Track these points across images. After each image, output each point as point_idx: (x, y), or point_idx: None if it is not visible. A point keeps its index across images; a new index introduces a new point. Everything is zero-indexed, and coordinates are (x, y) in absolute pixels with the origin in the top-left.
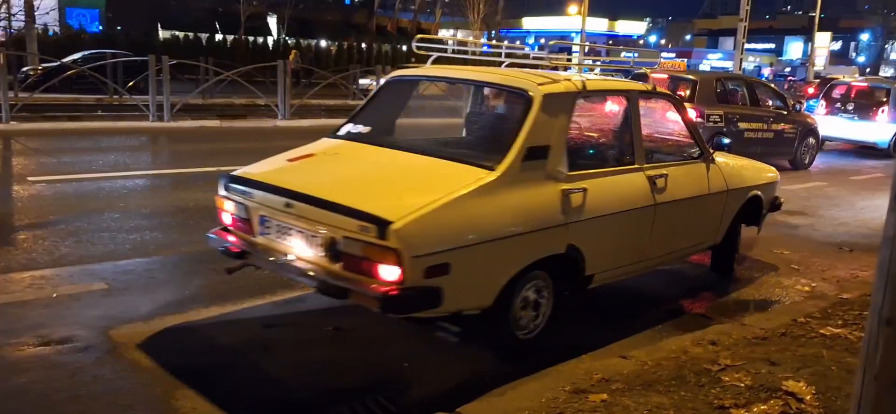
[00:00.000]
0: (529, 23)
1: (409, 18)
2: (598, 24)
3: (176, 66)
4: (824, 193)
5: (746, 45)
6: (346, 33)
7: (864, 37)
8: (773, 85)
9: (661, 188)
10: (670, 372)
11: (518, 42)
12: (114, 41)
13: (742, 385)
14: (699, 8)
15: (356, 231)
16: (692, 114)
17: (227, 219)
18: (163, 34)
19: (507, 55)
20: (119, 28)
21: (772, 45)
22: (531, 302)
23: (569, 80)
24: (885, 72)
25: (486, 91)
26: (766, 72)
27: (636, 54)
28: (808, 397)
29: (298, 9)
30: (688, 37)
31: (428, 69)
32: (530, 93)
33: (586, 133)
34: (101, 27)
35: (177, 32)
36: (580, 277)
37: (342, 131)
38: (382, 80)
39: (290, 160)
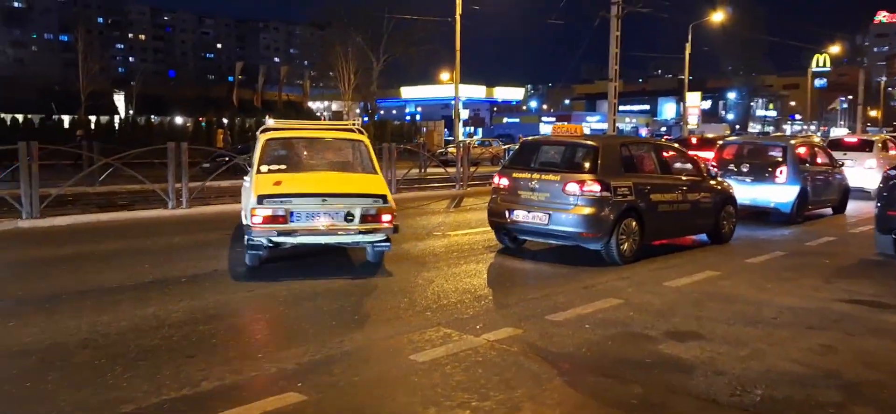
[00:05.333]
0: (408, 92)
1: (274, 91)
2: (477, 91)
3: None
4: (720, 292)
5: (622, 107)
6: (203, 109)
7: (731, 95)
8: (682, 148)
9: None
10: None
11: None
12: None
13: None
14: (577, 74)
15: (372, 204)
16: (596, 188)
17: (258, 220)
18: None
19: None
20: None
21: (646, 107)
22: None
23: None
24: (753, 127)
25: None
26: (643, 132)
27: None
28: None
29: (149, 84)
30: (567, 101)
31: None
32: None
33: None
34: None
35: (3, 115)
36: None
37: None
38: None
39: (277, 183)
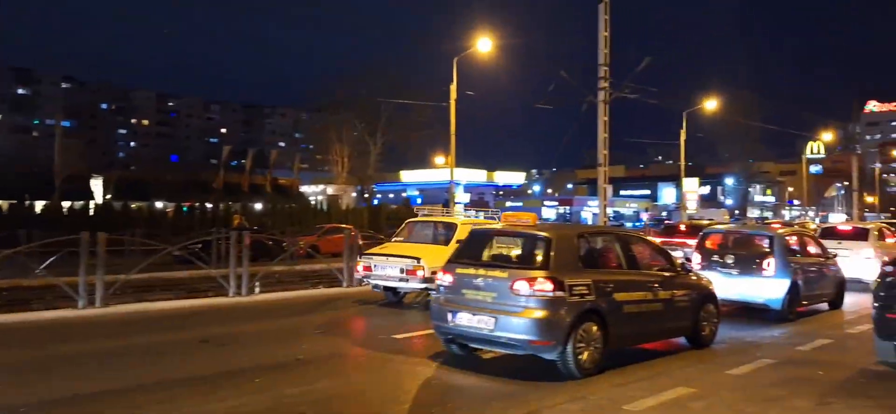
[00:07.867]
0: (408, 175)
1: (263, 174)
2: (477, 175)
3: None
4: None
5: (624, 192)
6: (187, 194)
7: (729, 181)
8: (652, 239)
9: None
10: None
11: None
12: None
13: None
14: (580, 159)
15: (409, 263)
16: (548, 286)
17: (361, 268)
18: None
19: None
20: None
21: (647, 191)
22: None
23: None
24: (752, 213)
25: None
26: (644, 217)
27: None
28: None
29: (130, 169)
30: (569, 186)
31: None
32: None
33: None
34: None
35: None
36: None
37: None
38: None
39: (383, 247)
